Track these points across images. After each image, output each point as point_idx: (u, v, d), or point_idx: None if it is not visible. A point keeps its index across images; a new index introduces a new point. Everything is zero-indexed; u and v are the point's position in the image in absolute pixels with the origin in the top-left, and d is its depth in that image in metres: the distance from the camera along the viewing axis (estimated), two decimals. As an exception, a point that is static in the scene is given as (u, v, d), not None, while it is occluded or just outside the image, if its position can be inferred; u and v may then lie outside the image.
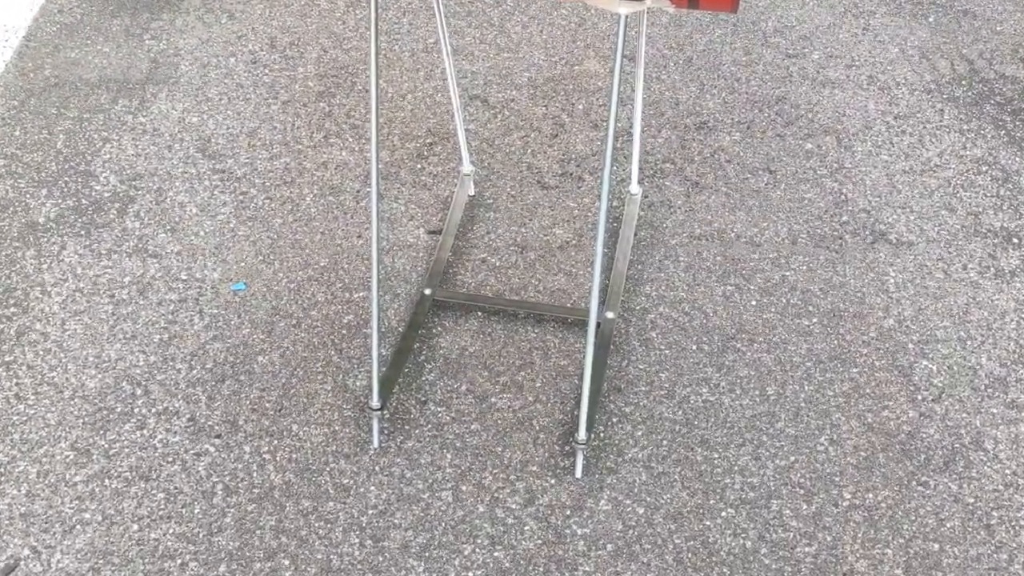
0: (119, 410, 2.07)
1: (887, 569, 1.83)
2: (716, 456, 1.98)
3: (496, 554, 1.85)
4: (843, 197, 2.52)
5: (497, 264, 2.37)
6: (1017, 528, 1.88)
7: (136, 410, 2.07)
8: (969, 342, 2.18)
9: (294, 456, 1.99)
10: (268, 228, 2.46)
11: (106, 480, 1.95)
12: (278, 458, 1.99)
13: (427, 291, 2.25)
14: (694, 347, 2.17)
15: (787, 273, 2.33)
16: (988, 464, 1.97)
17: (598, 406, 2.05)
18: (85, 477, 1.96)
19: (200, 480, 1.95)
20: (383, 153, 2.66)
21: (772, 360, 2.15)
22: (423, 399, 2.09)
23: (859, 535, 1.87)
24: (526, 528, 1.88)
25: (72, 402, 2.08)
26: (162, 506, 1.91)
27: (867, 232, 2.43)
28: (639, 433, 2.02)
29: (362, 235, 2.45)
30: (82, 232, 2.44)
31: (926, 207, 2.49)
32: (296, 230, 2.46)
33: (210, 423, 2.05)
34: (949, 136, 2.69)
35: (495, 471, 1.96)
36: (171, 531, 1.88)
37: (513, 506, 1.91)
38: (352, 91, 2.86)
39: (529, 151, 2.67)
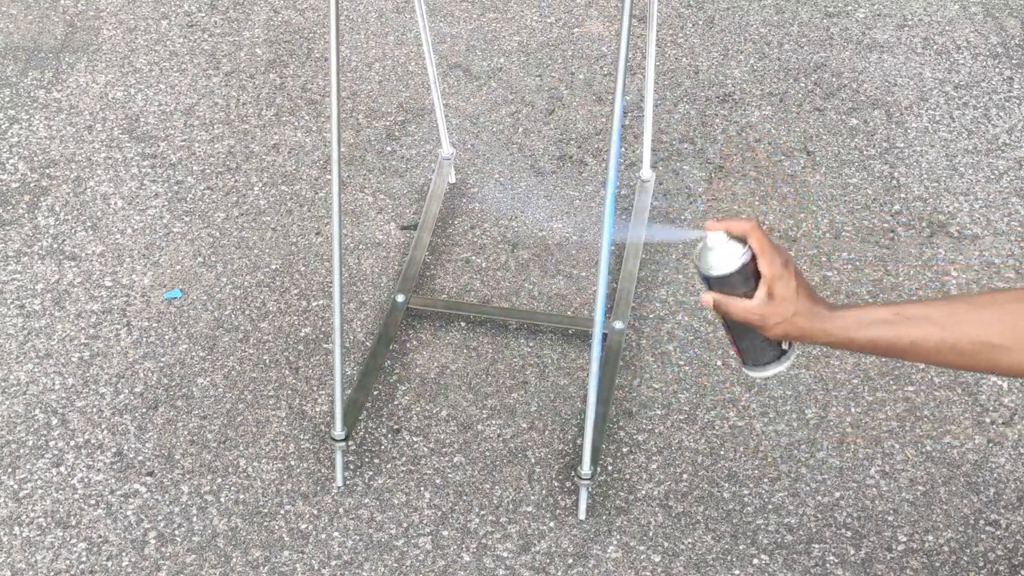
0: (31, 443, 2.07)
1: (951, 625, 1.83)
2: (746, 492, 1.98)
3: (484, 612, 1.85)
4: (895, 182, 2.53)
5: (483, 265, 2.37)
6: (1105, 575, 1.88)
7: (51, 443, 2.07)
8: (1046, 354, 2.19)
9: (241, 497, 1.99)
10: (208, 224, 2.46)
11: (15, 528, 1.95)
12: (222, 499, 1.98)
13: (400, 298, 2.25)
14: (719, 362, 2.18)
15: (829, 273, 2.34)
16: (1070, 499, 1.98)
17: (605, 434, 2.05)
18: (-9, 524, 1.95)
19: (129, 527, 1.95)
20: (346, 134, 2.66)
21: (812, 377, 2.15)
22: (396, 427, 2.09)
23: (917, 585, 1.87)
24: (520, 580, 1.88)
25: (-26, 434, 2.08)
26: (83, 559, 1.90)
27: (923, 224, 2.44)
28: (654, 466, 2.03)
29: (321, 231, 2.44)
30: (-15, 230, 2.44)
31: (993, 193, 2.50)
32: (242, 226, 2.45)
33: (140, 458, 2.04)
34: (1020, 109, 2.70)
35: (483, 512, 1.96)
36: (94, 588, 1.87)
37: (504, 554, 1.91)
38: (308, 59, 2.86)
39: (520, 130, 2.67)
